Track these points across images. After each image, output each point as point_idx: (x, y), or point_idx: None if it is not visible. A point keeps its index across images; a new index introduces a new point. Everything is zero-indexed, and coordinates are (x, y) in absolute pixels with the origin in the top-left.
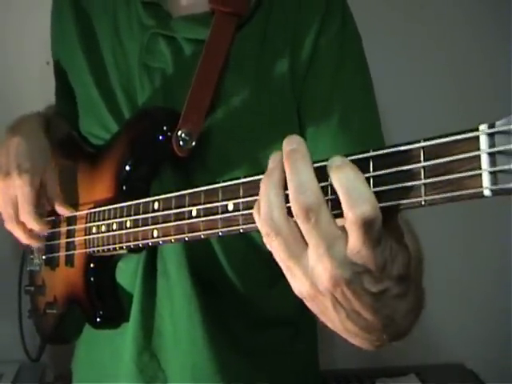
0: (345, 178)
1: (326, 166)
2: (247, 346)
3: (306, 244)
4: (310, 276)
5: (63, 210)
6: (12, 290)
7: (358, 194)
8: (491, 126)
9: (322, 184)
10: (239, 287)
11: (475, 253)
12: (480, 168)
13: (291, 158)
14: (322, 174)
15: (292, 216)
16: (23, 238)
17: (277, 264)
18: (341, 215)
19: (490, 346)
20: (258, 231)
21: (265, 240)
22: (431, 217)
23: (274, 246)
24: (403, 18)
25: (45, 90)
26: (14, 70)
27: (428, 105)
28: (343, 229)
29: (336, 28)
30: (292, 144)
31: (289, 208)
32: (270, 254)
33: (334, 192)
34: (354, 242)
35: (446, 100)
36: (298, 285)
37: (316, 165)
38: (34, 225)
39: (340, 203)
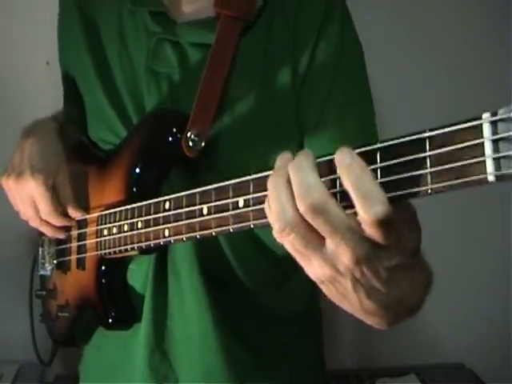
0: (354, 177)
1: (333, 159)
2: (256, 344)
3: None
4: (330, 259)
5: (75, 214)
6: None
7: (369, 194)
8: (494, 114)
9: (332, 177)
10: (248, 286)
11: (475, 253)
12: (483, 155)
13: (295, 159)
14: (329, 168)
15: None
16: (51, 233)
17: (285, 262)
18: (350, 207)
19: (490, 346)
20: (268, 226)
21: (277, 235)
22: (432, 218)
23: (290, 240)
24: (407, 20)
25: (45, 89)
26: (14, 69)
27: (429, 107)
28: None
29: (335, 32)
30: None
31: None
32: (277, 253)
33: (342, 184)
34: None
35: (447, 102)
36: (316, 270)
37: (324, 158)
38: (57, 222)
39: (348, 195)
